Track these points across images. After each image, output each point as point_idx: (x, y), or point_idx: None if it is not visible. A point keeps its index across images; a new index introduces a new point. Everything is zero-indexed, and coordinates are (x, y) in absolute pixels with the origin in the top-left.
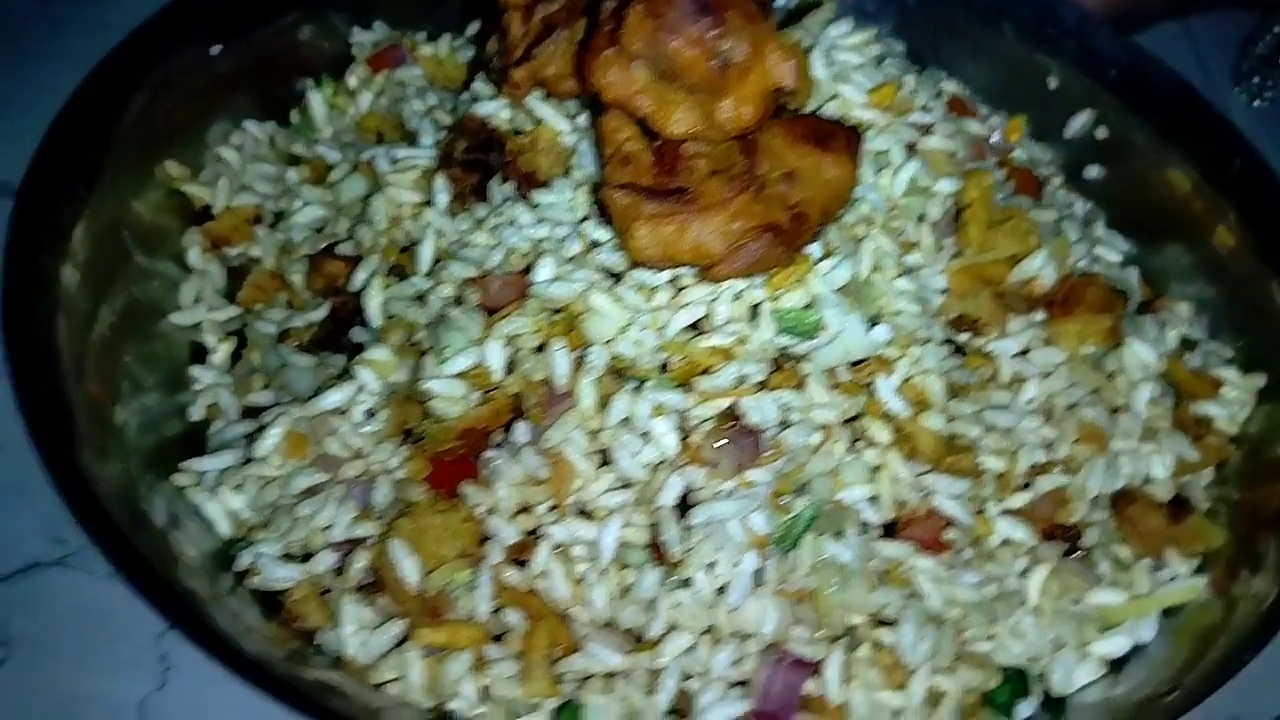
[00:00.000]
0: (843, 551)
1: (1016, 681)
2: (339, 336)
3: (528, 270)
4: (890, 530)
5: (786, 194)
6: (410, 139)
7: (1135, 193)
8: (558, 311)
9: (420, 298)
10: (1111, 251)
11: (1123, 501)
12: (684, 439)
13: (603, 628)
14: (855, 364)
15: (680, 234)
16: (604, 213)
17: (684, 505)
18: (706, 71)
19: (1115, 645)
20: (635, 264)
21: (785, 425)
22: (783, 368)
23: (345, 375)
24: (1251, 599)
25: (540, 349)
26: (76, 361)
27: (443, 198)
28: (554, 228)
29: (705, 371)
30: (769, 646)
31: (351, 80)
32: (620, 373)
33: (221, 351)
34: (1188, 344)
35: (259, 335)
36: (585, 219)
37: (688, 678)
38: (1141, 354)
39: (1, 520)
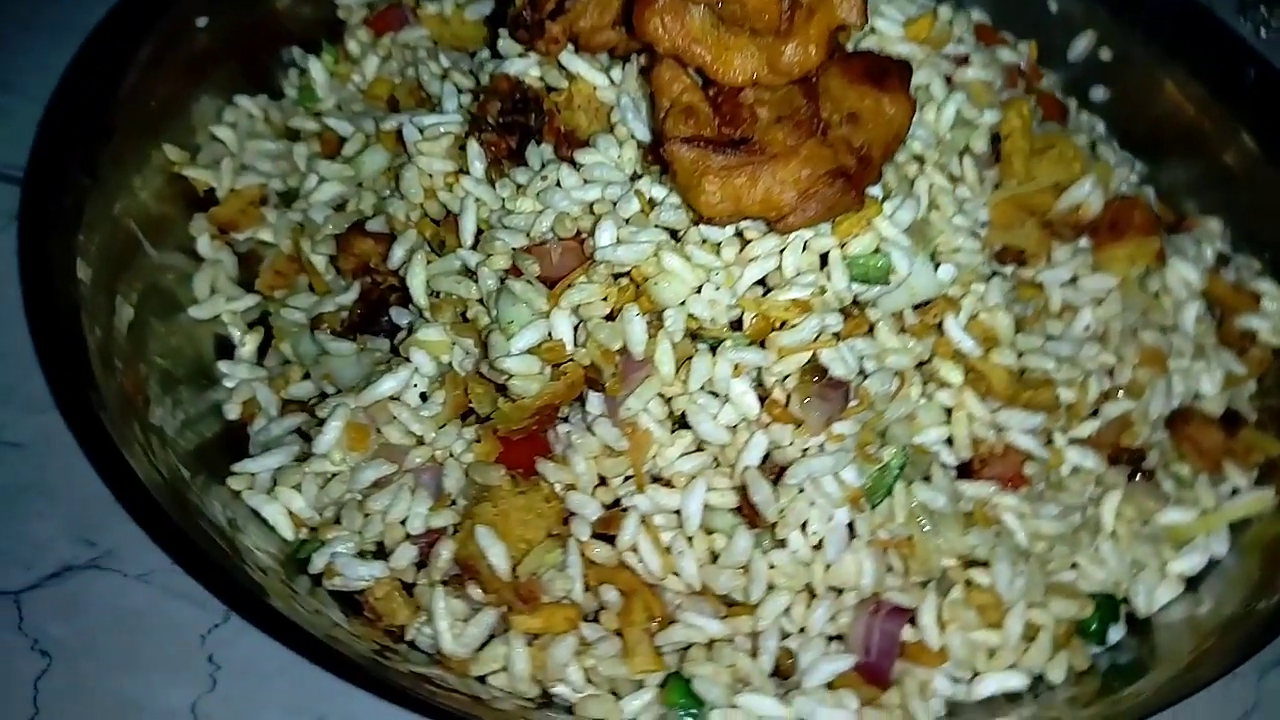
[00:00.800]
0: (935, 497)
1: (1107, 607)
2: (376, 319)
3: (580, 235)
4: (965, 471)
5: (850, 135)
6: (429, 104)
7: (1141, 112)
8: (620, 276)
9: (468, 272)
10: (1131, 173)
11: (1179, 420)
12: (763, 398)
13: (695, 595)
14: (918, 306)
15: (751, 185)
16: (662, 168)
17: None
18: (777, 14)
19: (1191, 563)
20: (702, 220)
21: (864, 375)
22: (851, 316)
23: (394, 359)
24: None
25: (610, 316)
26: (104, 358)
27: (479, 165)
28: (605, 188)
29: (781, 326)
30: (864, 599)
31: (352, 45)
32: (695, 335)
33: (249, 344)
34: (1221, 259)
35: (287, 324)
36: (637, 176)
37: (785, 637)
38: (1185, 273)
39: (27, 524)
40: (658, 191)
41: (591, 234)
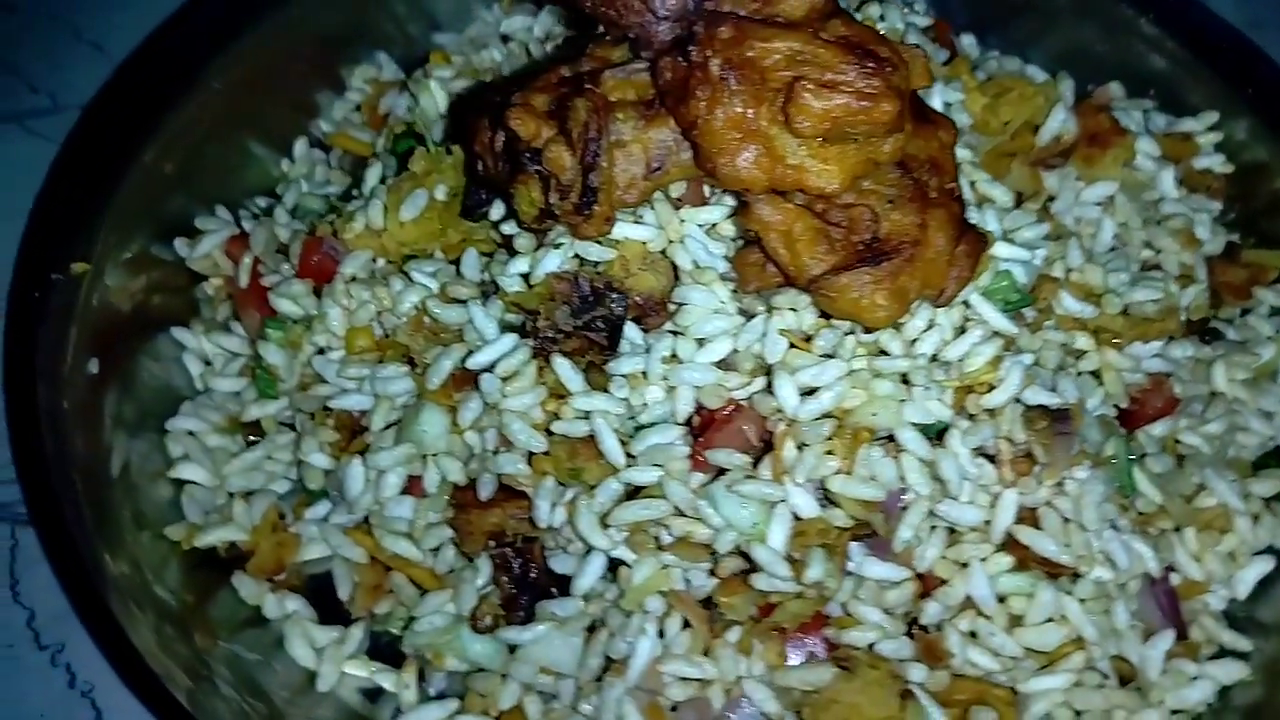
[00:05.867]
0: (1155, 460)
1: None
2: (521, 598)
3: (732, 402)
4: (1125, 419)
5: (940, 181)
6: (444, 336)
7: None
8: (822, 419)
9: (636, 490)
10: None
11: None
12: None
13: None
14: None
15: (911, 279)
16: (820, 307)
17: None
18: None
19: None
20: (871, 330)
21: (1054, 389)
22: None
23: (601, 620)
24: None
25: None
26: None
27: (577, 380)
28: (736, 339)
29: (976, 389)
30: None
31: (290, 307)
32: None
33: (408, 688)
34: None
35: (433, 642)
36: (769, 311)
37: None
38: (1145, 147)
39: None
40: (803, 318)
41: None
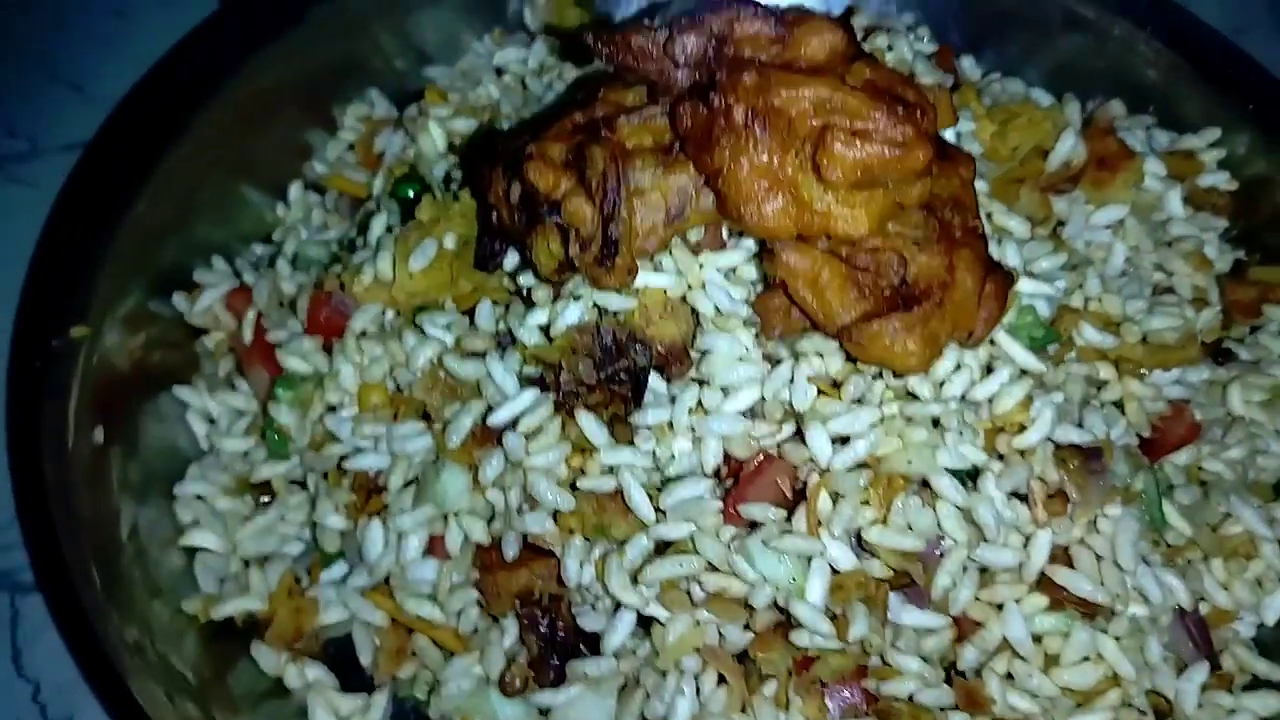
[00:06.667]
0: (1182, 492)
1: None
2: (550, 658)
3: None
4: (1146, 446)
5: (964, 219)
6: (458, 390)
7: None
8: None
9: (664, 546)
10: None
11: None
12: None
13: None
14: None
15: (941, 323)
16: (850, 353)
17: None
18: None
19: None
20: (903, 374)
21: (1080, 424)
22: None
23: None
24: None
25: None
26: None
27: (601, 434)
28: (763, 387)
29: (1006, 429)
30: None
31: (298, 364)
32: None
33: None
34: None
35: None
36: (793, 358)
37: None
38: (1152, 167)
39: None
40: (830, 363)
41: (777, 446)
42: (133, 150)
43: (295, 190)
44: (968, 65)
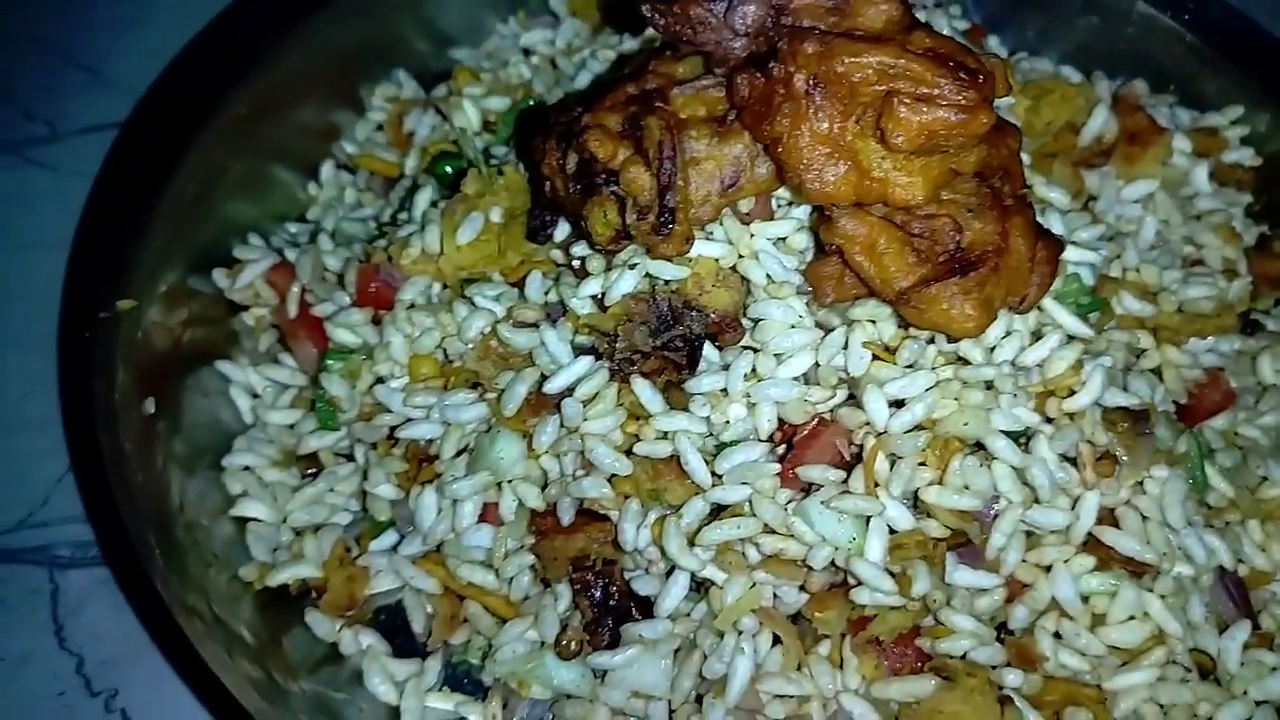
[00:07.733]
0: (1224, 455)
1: None
2: (604, 621)
3: (816, 417)
4: (1182, 413)
5: (1011, 188)
6: (510, 360)
7: None
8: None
9: (720, 509)
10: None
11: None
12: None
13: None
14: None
15: (996, 290)
16: (907, 318)
17: None
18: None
19: None
20: (959, 339)
21: (1125, 388)
22: None
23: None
24: None
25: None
26: None
27: (658, 401)
28: (817, 353)
29: (1057, 393)
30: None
31: (347, 336)
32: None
33: None
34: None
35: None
36: (845, 325)
37: None
38: (1179, 144)
39: None
40: (874, 330)
41: (831, 411)
42: (167, 132)
43: (328, 170)
44: (994, 44)
